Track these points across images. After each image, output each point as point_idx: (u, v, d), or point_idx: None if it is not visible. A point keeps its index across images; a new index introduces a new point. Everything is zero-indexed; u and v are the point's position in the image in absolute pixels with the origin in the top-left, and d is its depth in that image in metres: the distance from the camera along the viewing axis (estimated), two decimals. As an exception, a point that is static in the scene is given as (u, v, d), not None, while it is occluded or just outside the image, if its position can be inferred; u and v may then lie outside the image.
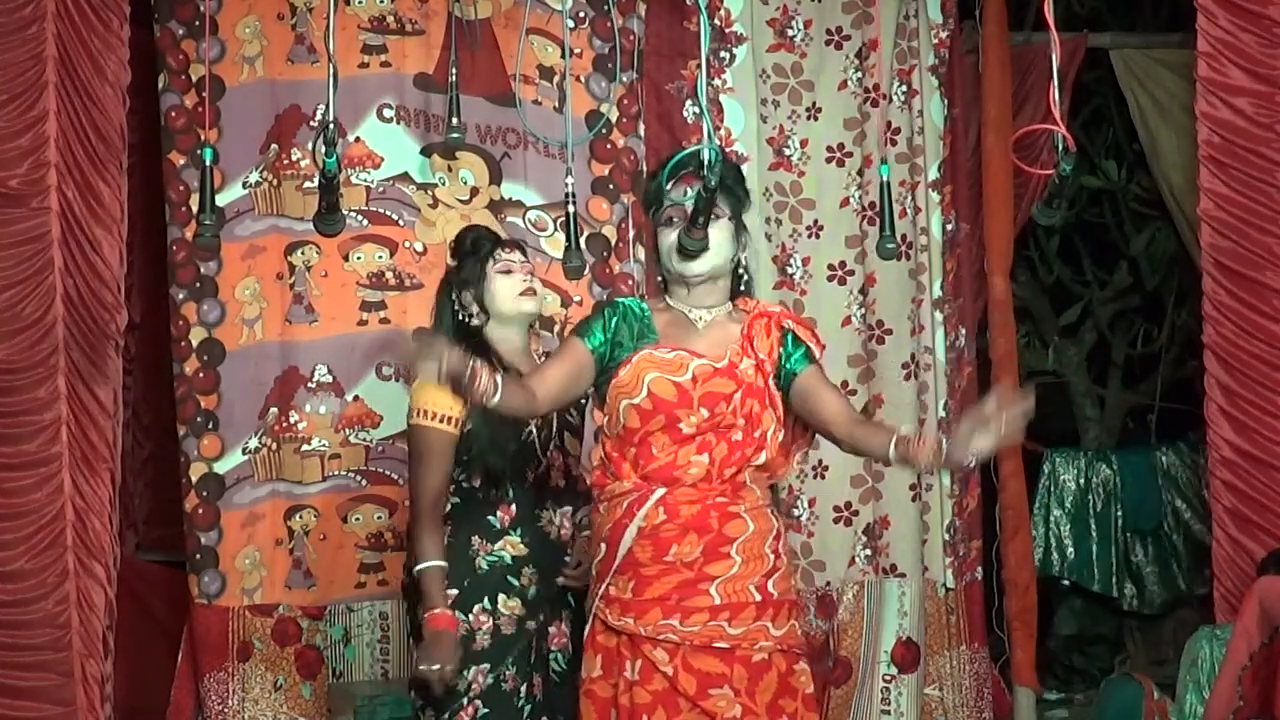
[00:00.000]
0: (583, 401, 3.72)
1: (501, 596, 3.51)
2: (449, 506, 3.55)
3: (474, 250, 3.69)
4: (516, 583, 3.53)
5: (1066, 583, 6.50)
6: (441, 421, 3.53)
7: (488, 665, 3.49)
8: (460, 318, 3.66)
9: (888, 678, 5.01)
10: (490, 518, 3.54)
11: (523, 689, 3.51)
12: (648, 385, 3.14)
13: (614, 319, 3.24)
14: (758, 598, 3.08)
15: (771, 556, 3.12)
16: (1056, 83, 2.75)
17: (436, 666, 3.40)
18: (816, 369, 3.20)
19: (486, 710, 3.47)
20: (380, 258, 4.74)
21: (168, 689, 4.75)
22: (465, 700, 3.47)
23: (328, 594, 4.68)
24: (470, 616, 3.49)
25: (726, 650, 3.06)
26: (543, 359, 3.69)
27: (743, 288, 3.27)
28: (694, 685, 3.05)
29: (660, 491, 3.13)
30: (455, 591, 3.50)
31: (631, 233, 4.92)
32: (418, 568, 3.49)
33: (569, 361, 3.20)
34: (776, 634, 3.08)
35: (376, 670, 4.71)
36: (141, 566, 5.27)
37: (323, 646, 4.67)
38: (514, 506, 3.55)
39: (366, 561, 4.70)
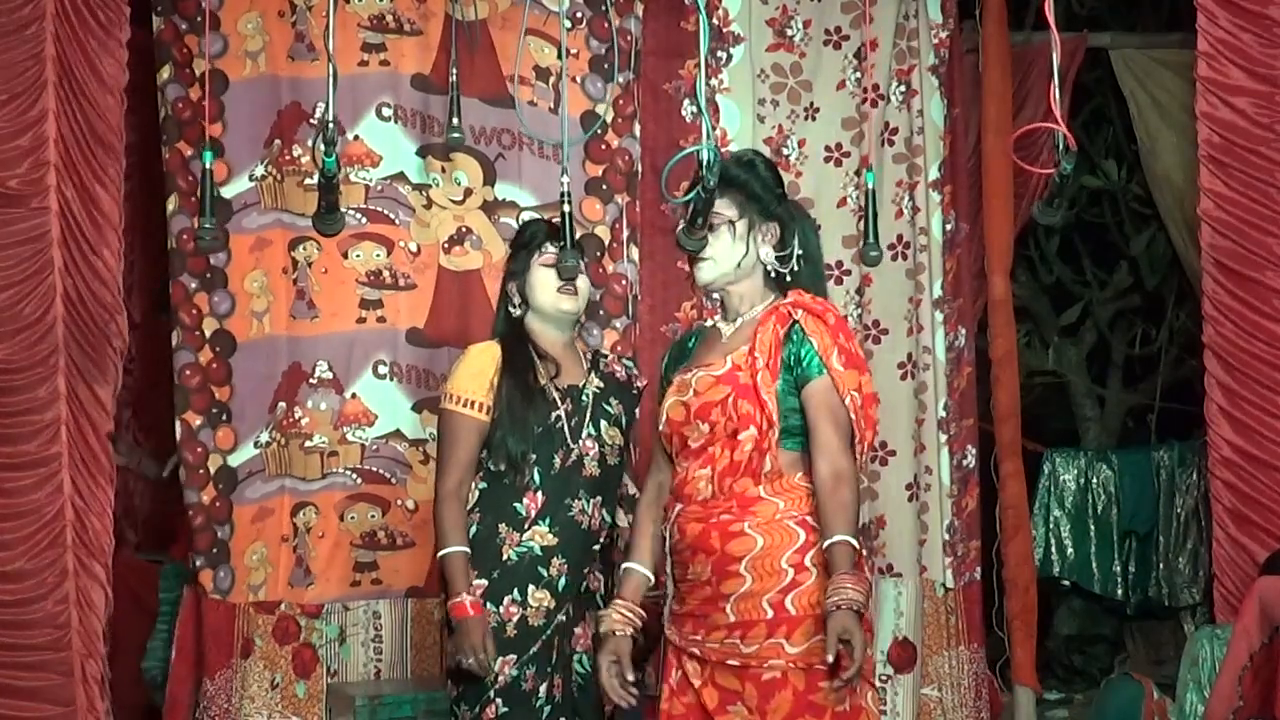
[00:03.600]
0: (634, 392, 3.77)
1: (531, 588, 3.53)
2: (477, 493, 3.58)
3: (526, 243, 3.73)
4: (546, 573, 3.54)
5: (1066, 583, 6.50)
6: (470, 407, 3.59)
7: (514, 657, 3.50)
8: (508, 309, 3.71)
9: (884, 678, 5.00)
10: (516, 505, 3.56)
11: (542, 689, 3.51)
12: (666, 411, 3.22)
13: (665, 363, 3.39)
14: (769, 614, 3.02)
15: (791, 571, 3.02)
16: (1057, 81, 2.75)
17: (470, 660, 3.42)
18: (822, 384, 3.07)
19: (506, 709, 3.49)
20: (378, 256, 4.74)
21: (179, 687, 4.74)
22: (492, 693, 3.48)
23: (324, 592, 4.68)
24: (500, 608, 3.50)
25: (740, 667, 3.03)
26: (587, 356, 3.75)
27: (790, 279, 3.19)
28: (715, 700, 3.07)
29: (677, 509, 3.17)
30: (485, 582, 3.52)
31: (625, 233, 4.92)
32: (439, 554, 3.52)
33: (658, 435, 3.30)
34: (793, 651, 2.99)
35: (370, 670, 4.70)
36: (142, 566, 5.28)
37: (318, 645, 4.66)
38: (540, 494, 3.57)
39: (361, 560, 4.70)
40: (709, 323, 3.35)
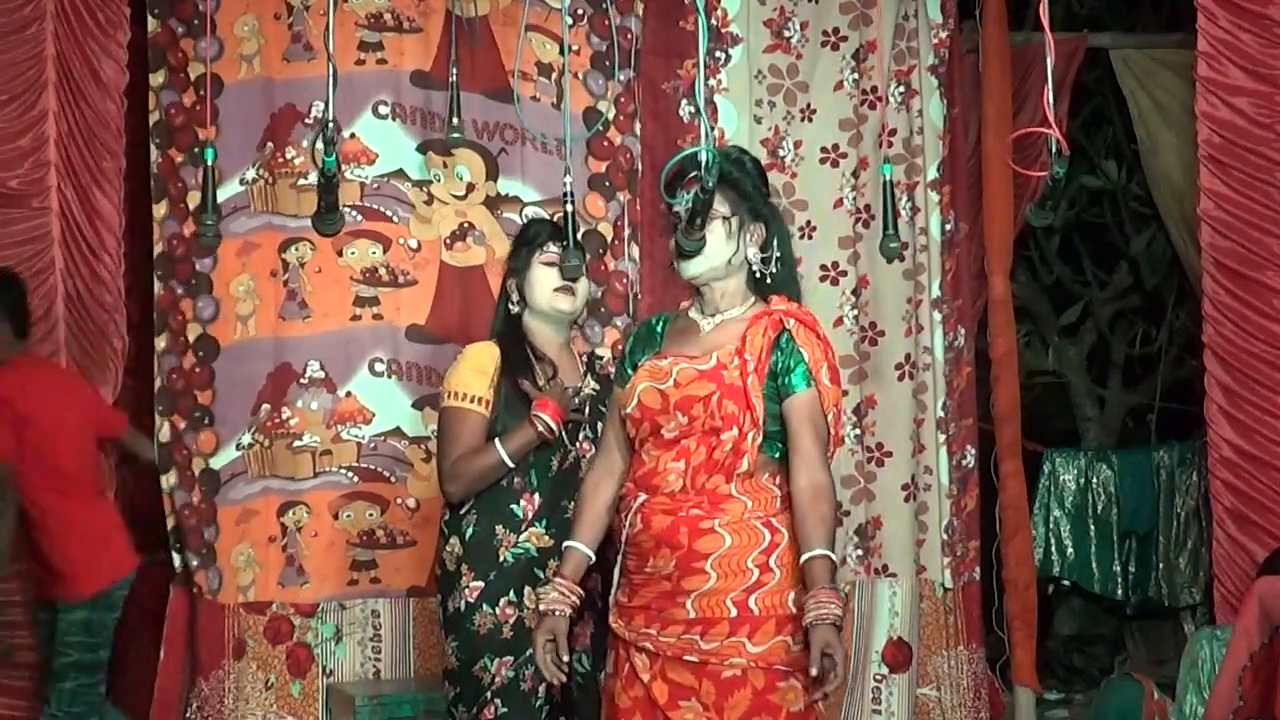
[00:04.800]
0: None
1: (527, 589, 3.53)
2: (474, 494, 3.59)
3: (529, 240, 3.73)
4: (542, 575, 3.54)
5: (1066, 583, 6.50)
6: (472, 402, 3.59)
7: (511, 658, 3.50)
8: (507, 305, 3.71)
9: (878, 677, 5.01)
10: (514, 507, 3.57)
11: (541, 689, 3.51)
12: (638, 395, 3.15)
13: (630, 345, 3.32)
14: (733, 613, 3.00)
15: (756, 571, 3.01)
16: (1051, 85, 2.75)
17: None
18: (809, 397, 3.07)
19: (505, 710, 3.49)
20: (374, 253, 4.74)
21: (168, 688, 4.74)
22: (490, 694, 3.49)
23: (319, 591, 4.67)
24: (496, 609, 3.51)
25: (698, 664, 3.01)
26: (583, 359, 3.76)
27: (769, 281, 3.18)
28: (665, 695, 3.04)
29: (640, 499, 3.12)
30: (481, 584, 3.52)
31: (627, 230, 4.92)
32: (499, 448, 3.54)
33: (616, 418, 3.25)
34: (754, 650, 2.98)
35: (368, 669, 4.70)
36: (140, 566, 5.27)
37: (314, 644, 4.66)
38: (537, 496, 3.58)
39: (358, 559, 4.69)
40: (679, 312, 3.33)
